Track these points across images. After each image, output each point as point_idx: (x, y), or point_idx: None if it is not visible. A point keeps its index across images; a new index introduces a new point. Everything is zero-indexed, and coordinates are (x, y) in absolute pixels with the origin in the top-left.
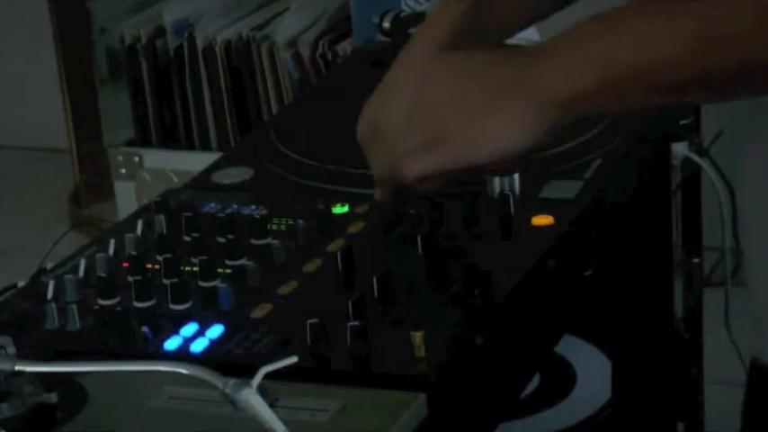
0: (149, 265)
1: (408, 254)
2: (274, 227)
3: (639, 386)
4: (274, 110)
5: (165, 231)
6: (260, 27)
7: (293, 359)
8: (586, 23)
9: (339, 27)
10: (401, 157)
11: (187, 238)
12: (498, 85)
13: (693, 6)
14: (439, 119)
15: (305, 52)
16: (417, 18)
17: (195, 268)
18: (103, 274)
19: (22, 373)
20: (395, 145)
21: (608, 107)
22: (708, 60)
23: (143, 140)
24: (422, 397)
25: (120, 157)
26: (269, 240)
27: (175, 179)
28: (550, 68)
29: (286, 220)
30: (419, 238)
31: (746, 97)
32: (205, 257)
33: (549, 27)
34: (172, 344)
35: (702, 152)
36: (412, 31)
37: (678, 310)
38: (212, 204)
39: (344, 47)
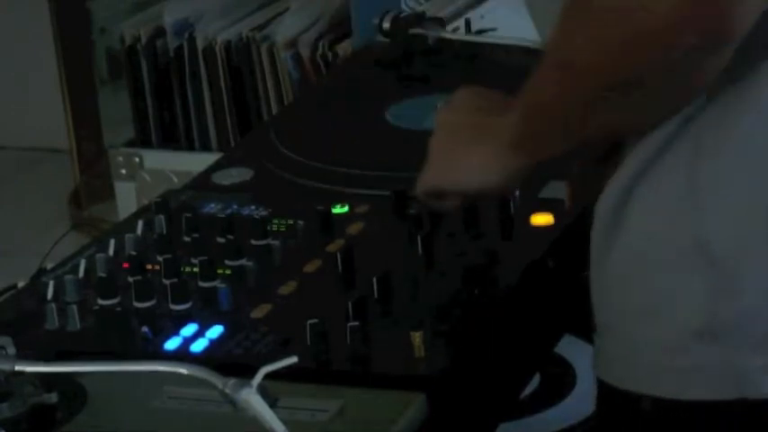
0: (149, 266)
1: (408, 254)
2: (274, 227)
3: None
4: (274, 110)
5: (165, 232)
6: (260, 27)
7: (293, 359)
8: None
9: (339, 27)
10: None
11: (187, 239)
12: (480, 126)
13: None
14: (433, 151)
15: (305, 52)
16: (417, 18)
17: (195, 268)
18: (103, 275)
19: (22, 373)
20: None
21: (548, 151)
22: (581, 93)
23: (143, 141)
24: (422, 397)
25: (121, 158)
26: (269, 241)
27: (175, 180)
28: (504, 113)
29: (286, 221)
30: (419, 238)
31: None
32: (205, 258)
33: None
34: (172, 344)
35: None
36: (412, 31)
37: None
38: (212, 205)
39: (344, 47)
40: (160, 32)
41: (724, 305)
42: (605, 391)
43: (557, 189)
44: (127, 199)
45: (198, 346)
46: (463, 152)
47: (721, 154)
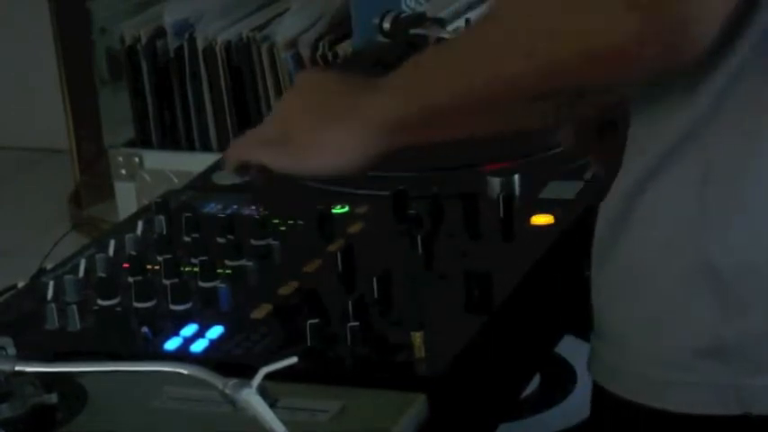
0: (149, 266)
1: (408, 254)
2: (274, 227)
3: None
4: None
5: (165, 232)
6: (260, 28)
7: (293, 359)
8: (421, 54)
9: (339, 27)
10: (250, 140)
11: (187, 239)
12: (338, 108)
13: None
14: (290, 122)
15: (305, 53)
16: (417, 19)
17: (195, 269)
18: (103, 275)
19: (22, 373)
20: (253, 132)
21: (435, 136)
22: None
23: (143, 141)
24: (422, 397)
25: (121, 158)
26: (269, 240)
27: (175, 180)
28: (378, 97)
29: (286, 221)
30: (419, 238)
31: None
32: (205, 258)
33: None
34: (172, 344)
35: None
36: (412, 31)
37: None
38: (212, 205)
39: (344, 47)
40: (160, 32)
41: (730, 326)
42: (602, 395)
43: (557, 189)
44: (127, 199)
45: (198, 346)
46: (316, 134)
47: (736, 181)
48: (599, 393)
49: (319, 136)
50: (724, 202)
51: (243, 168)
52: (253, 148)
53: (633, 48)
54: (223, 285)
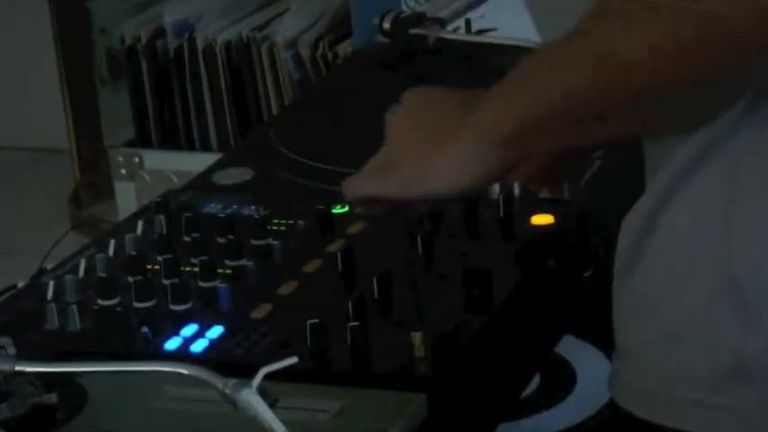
0: (149, 266)
1: (408, 254)
2: (274, 227)
3: None
4: (274, 110)
5: (165, 232)
6: (260, 27)
7: (293, 359)
8: (522, 62)
9: (339, 27)
10: (362, 174)
11: (187, 239)
12: (449, 124)
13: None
14: (398, 147)
15: (305, 53)
16: (417, 19)
17: (195, 268)
18: (103, 275)
19: (22, 373)
20: (365, 166)
21: (547, 144)
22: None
23: (143, 141)
24: (422, 397)
25: (121, 158)
26: (269, 240)
27: (175, 180)
28: (486, 109)
29: (286, 220)
30: (419, 238)
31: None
32: (205, 258)
33: (550, 28)
34: (172, 344)
35: None
36: (412, 31)
37: None
38: (212, 205)
39: (344, 47)
40: (160, 32)
41: (755, 345)
42: (624, 418)
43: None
44: (127, 199)
45: (198, 346)
46: (430, 155)
47: (763, 196)
48: (621, 417)
49: (433, 156)
50: (749, 217)
51: (365, 202)
52: (365, 181)
53: (749, 34)
54: (223, 285)
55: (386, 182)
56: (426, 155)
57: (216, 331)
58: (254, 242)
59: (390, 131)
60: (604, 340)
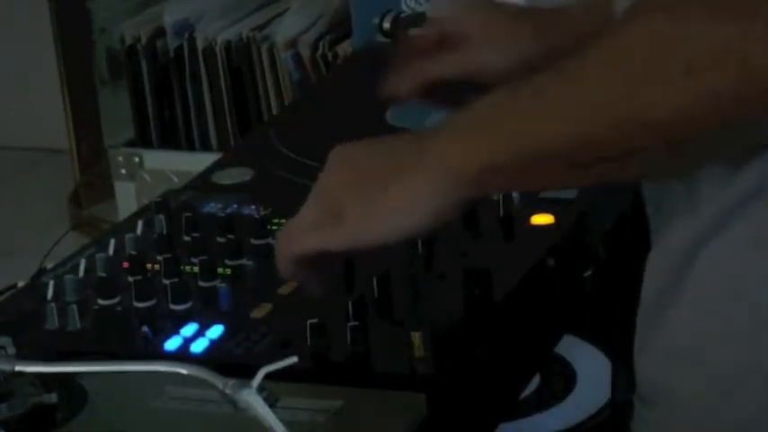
0: (149, 266)
1: (408, 254)
2: (274, 227)
3: None
4: (274, 110)
5: (165, 231)
6: (260, 27)
7: (293, 359)
8: (498, 93)
9: (339, 27)
10: (296, 231)
11: (187, 239)
12: (394, 163)
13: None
14: (337, 198)
15: (305, 53)
16: (417, 18)
17: (195, 268)
18: (103, 274)
19: (22, 373)
20: (294, 221)
21: (523, 184)
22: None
23: (143, 141)
24: (422, 397)
25: (121, 158)
26: (269, 240)
27: (175, 179)
28: (454, 141)
29: (286, 220)
30: (419, 238)
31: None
32: (205, 257)
33: None
34: (172, 344)
35: None
36: (412, 31)
37: None
38: (212, 204)
39: (344, 47)
40: (160, 32)
41: None
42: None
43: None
44: (127, 199)
45: (198, 346)
46: (378, 199)
47: None
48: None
49: (381, 198)
50: None
51: (301, 265)
52: (302, 237)
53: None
54: (223, 285)
55: (329, 234)
56: (373, 199)
57: (216, 331)
58: (254, 242)
59: (320, 188)
60: (604, 340)
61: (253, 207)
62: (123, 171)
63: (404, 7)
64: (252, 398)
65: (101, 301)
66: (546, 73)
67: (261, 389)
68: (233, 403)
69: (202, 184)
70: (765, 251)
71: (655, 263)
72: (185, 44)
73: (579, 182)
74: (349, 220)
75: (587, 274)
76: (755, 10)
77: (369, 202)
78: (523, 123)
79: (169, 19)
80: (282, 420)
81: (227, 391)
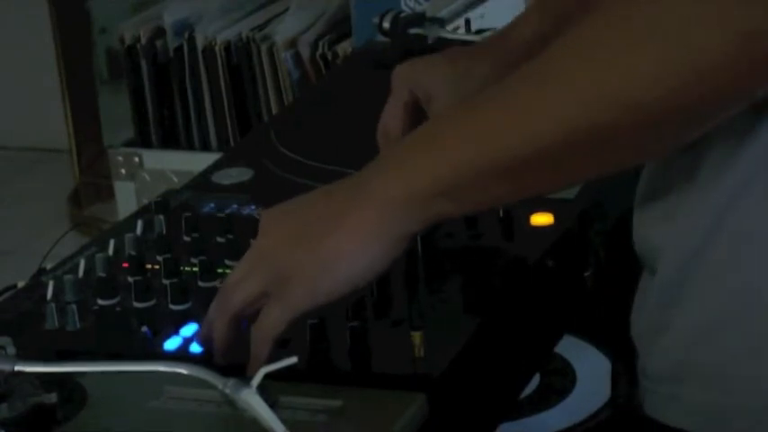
0: (149, 266)
1: (408, 254)
2: None
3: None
4: (274, 110)
5: (164, 231)
6: (260, 27)
7: (293, 359)
8: (435, 119)
9: (339, 27)
10: (241, 307)
11: (187, 239)
12: (336, 208)
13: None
14: (279, 261)
15: (305, 52)
16: (417, 18)
17: (195, 268)
18: (103, 275)
19: (21, 373)
20: (235, 296)
21: (472, 204)
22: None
23: (143, 141)
24: (422, 397)
25: (120, 158)
26: None
27: (175, 179)
28: (395, 171)
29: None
30: (419, 238)
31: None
32: (205, 257)
33: None
34: (172, 344)
35: None
36: (412, 31)
37: None
38: (212, 205)
39: (344, 47)
40: (160, 32)
41: None
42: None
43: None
44: (127, 199)
45: (198, 346)
46: (323, 248)
47: None
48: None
49: (328, 247)
50: None
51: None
52: (264, 316)
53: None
54: None
55: (287, 301)
56: (320, 250)
57: None
58: (253, 242)
59: (259, 254)
60: (604, 340)
61: (252, 207)
62: (123, 171)
63: (404, 7)
64: (252, 398)
65: (100, 302)
66: (483, 92)
67: (261, 389)
68: (233, 403)
69: (202, 184)
70: None
71: (674, 239)
72: (185, 44)
73: (525, 195)
74: (300, 281)
75: (587, 274)
76: None
77: (315, 254)
78: (463, 143)
79: (169, 19)
80: (282, 420)
81: (227, 391)
